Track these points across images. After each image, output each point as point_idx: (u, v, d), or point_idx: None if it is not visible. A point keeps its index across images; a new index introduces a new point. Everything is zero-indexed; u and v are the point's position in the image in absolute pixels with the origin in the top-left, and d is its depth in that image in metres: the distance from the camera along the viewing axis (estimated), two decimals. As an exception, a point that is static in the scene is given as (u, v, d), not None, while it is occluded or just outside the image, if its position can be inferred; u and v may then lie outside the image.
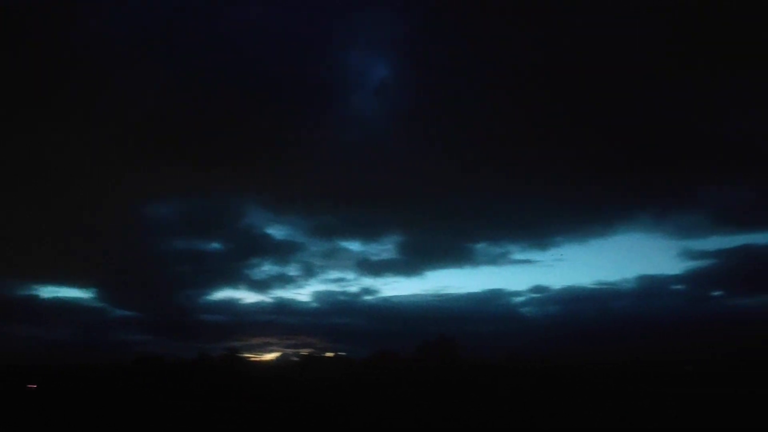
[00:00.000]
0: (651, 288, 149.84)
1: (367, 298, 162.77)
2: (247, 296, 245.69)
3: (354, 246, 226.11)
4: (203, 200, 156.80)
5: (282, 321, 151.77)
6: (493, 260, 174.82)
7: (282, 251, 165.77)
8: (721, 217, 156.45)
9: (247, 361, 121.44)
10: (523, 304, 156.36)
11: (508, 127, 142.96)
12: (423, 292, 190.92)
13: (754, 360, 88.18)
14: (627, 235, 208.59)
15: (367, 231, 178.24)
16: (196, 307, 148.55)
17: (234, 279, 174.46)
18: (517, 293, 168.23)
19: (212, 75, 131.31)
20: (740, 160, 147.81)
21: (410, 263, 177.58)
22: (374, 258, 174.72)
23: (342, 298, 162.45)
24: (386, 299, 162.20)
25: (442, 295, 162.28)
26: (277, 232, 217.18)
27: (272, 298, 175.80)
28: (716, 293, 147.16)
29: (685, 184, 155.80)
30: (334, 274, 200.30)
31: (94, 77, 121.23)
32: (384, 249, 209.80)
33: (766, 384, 64.96)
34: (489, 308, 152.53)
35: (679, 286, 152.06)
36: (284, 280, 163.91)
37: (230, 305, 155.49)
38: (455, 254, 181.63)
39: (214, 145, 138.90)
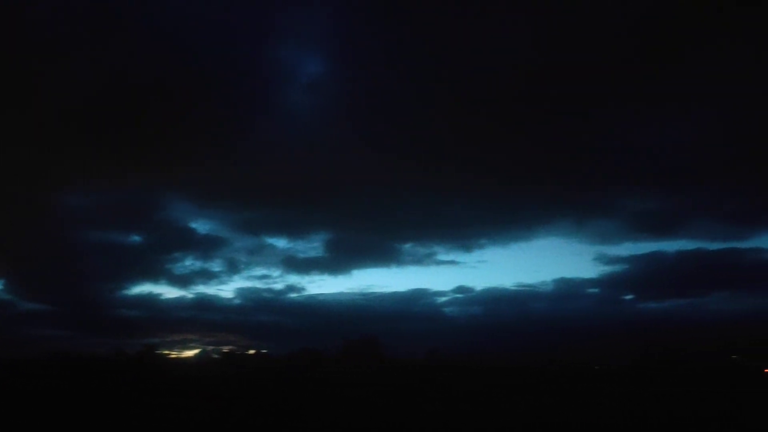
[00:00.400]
0: (568, 290, 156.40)
1: (292, 295, 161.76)
2: (168, 291, 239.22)
3: (280, 243, 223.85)
4: (124, 191, 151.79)
5: (203, 317, 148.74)
6: (419, 260, 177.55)
7: (206, 246, 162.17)
8: (634, 224, 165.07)
9: (165, 357, 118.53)
10: (447, 304, 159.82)
11: (438, 130, 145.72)
12: (349, 291, 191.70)
13: (658, 360, 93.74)
14: (547, 239, 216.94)
15: (295, 228, 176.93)
16: (113, 302, 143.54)
17: (154, 273, 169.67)
18: (442, 293, 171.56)
19: (138, 64, 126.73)
20: (653, 173, 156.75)
21: (337, 261, 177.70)
22: (301, 255, 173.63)
23: (266, 295, 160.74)
24: (312, 297, 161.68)
25: (368, 294, 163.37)
26: (201, 226, 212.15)
27: (194, 293, 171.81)
28: (627, 297, 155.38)
29: (602, 194, 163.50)
30: (259, 271, 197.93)
31: (8, 62, 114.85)
32: (311, 246, 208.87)
33: (668, 383, 69.24)
34: (413, 308, 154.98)
35: (594, 289, 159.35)
36: (207, 276, 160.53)
37: (149, 300, 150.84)
38: (382, 253, 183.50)
39: (137, 135, 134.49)
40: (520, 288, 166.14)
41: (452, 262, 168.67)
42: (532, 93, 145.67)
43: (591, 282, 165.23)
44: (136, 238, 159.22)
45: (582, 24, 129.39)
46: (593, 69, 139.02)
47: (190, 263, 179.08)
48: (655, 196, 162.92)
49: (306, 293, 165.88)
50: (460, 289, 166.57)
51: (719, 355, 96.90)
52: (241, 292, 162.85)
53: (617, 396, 49.14)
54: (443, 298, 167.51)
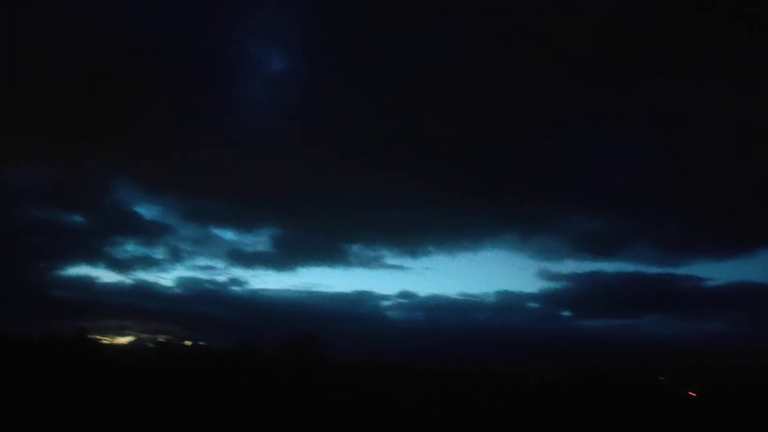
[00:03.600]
0: (509, 303, 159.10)
1: (235, 289, 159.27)
2: (106, 275, 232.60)
3: (227, 234, 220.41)
4: (68, 170, 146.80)
5: (141, 305, 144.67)
6: (366, 263, 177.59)
7: (150, 232, 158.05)
8: (578, 243, 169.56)
9: (97, 342, 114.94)
10: (390, 308, 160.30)
11: (394, 135, 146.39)
12: (293, 288, 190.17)
13: (591, 376, 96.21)
14: (492, 251, 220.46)
15: (243, 221, 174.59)
16: (46, 282, 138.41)
17: (93, 256, 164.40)
18: (386, 297, 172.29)
19: (92, 45, 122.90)
20: (599, 195, 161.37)
21: (283, 258, 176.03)
22: (247, 249, 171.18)
23: (208, 286, 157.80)
24: (255, 292, 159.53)
25: (312, 293, 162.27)
26: (146, 211, 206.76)
27: (133, 279, 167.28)
28: (566, 313, 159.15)
29: (549, 211, 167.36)
30: (203, 262, 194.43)
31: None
32: (258, 240, 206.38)
33: (599, 396, 71.17)
34: (357, 309, 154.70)
35: (534, 304, 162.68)
36: (148, 263, 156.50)
37: (85, 283, 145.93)
38: (329, 253, 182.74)
39: (87, 115, 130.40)
40: (464, 297, 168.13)
41: (399, 267, 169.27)
42: (488, 107, 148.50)
43: (532, 296, 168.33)
44: (76, 219, 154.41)
45: (537, 47, 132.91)
46: (547, 90, 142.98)
47: (131, 248, 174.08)
48: (599, 218, 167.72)
49: (249, 287, 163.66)
50: (404, 294, 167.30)
51: (647, 376, 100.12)
52: (183, 282, 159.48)
53: (547, 409, 50.22)
54: (387, 302, 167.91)
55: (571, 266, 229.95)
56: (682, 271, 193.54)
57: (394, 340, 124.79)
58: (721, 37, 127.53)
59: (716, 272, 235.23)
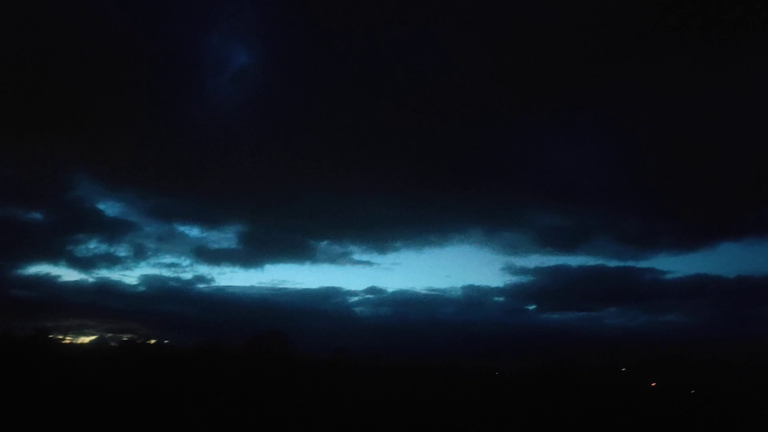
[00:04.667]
0: (476, 297, 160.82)
1: (201, 286, 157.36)
2: (67, 274, 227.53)
3: (192, 231, 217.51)
4: (27, 166, 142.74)
5: (103, 303, 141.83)
6: (334, 259, 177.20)
7: (112, 229, 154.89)
8: (542, 238, 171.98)
9: (58, 342, 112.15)
10: (358, 303, 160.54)
11: (359, 132, 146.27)
12: (260, 285, 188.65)
13: (555, 368, 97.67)
14: (459, 247, 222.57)
15: (208, 218, 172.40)
16: (5, 281, 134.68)
17: (54, 254, 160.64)
18: (353, 293, 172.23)
19: (53, 36, 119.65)
20: (563, 191, 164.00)
21: (250, 254, 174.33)
22: (213, 246, 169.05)
23: (173, 284, 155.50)
24: (221, 289, 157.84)
25: (279, 289, 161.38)
26: (109, 208, 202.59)
27: (95, 277, 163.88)
28: (530, 307, 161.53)
29: (514, 207, 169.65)
30: (168, 259, 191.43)
31: None
32: (224, 237, 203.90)
33: (564, 389, 72.33)
34: (324, 305, 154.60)
35: (500, 298, 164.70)
36: (111, 260, 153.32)
37: (46, 282, 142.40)
38: (297, 249, 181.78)
39: (46, 109, 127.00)
40: (431, 292, 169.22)
41: (366, 263, 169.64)
42: (453, 105, 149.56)
43: (498, 291, 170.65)
44: (36, 216, 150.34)
45: (501, 48, 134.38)
46: (511, 90, 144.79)
47: (93, 246, 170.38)
48: (562, 213, 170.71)
49: (215, 285, 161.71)
50: (372, 290, 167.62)
51: (610, 368, 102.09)
52: (147, 280, 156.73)
53: (514, 401, 50.88)
54: (355, 298, 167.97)
55: (535, 260, 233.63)
56: (642, 264, 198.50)
57: (362, 335, 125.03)
58: (678, 44, 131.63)
59: (675, 265, 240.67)
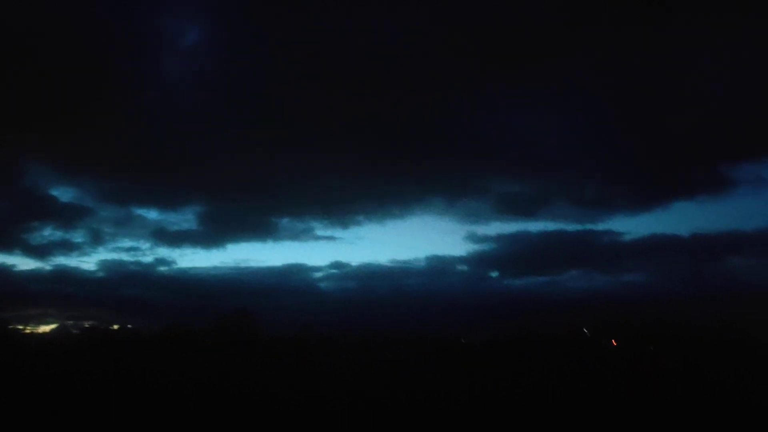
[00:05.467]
0: (439, 267, 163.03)
1: (162, 269, 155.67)
2: (23, 263, 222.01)
3: (150, 214, 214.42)
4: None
5: (62, 290, 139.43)
6: (296, 235, 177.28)
7: (67, 215, 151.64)
8: (502, 205, 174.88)
9: (18, 333, 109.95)
10: (323, 279, 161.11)
11: (317, 107, 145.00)
12: (223, 265, 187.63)
13: (520, 333, 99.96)
14: (421, 218, 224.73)
15: (166, 199, 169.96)
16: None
17: (7, 243, 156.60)
18: (318, 268, 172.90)
19: (3, 22, 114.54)
20: (520, 158, 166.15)
21: (211, 235, 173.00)
22: (172, 228, 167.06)
23: (133, 268, 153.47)
24: (183, 271, 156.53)
25: (242, 268, 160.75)
26: (62, 194, 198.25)
27: (52, 265, 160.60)
28: (493, 274, 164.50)
29: (473, 175, 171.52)
30: (126, 243, 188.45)
31: None
32: (183, 219, 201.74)
33: (528, 355, 74.04)
34: (289, 282, 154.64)
35: (463, 267, 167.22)
36: (68, 247, 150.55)
37: (1, 272, 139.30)
38: (258, 228, 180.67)
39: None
40: (395, 264, 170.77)
41: (330, 238, 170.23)
42: (411, 78, 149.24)
43: (461, 259, 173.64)
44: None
45: (460, 22, 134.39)
46: (469, 63, 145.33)
47: (48, 233, 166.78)
48: (520, 180, 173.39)
49: (177, 267, 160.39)
50: (336, 265, 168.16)
51: (572, 329, 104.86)
52: (106, 265, 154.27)
53: (481, 367, 51.89)
54: (319, 273, 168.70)
55: (496, 228, 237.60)
56: (600, 227, 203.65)
57: (328, 310, 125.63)
58: (629, 12, 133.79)
59: (632, 226, 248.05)
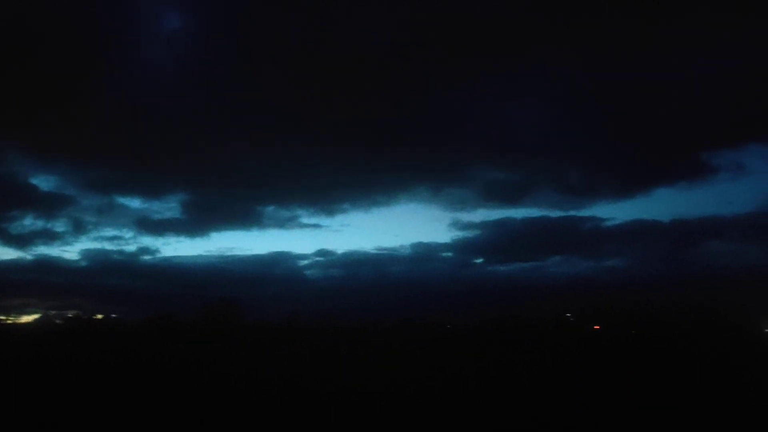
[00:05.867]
0: (424, 254, 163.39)
1: (146, 258, 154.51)
2: (3, 252, 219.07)
3: (134, 203, 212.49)
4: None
5: (45, 281, 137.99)
6: (281, 223, 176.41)
7: (48, 204, 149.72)
8: (487, 193, 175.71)
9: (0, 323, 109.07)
10: (308, 267, 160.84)
11: (301, 94, 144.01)
12: (207, 254, 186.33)
13: (503, 320, 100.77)
14: (406, 205, 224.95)
15: (150, 187, 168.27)
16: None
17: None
18: (303, 256, 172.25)
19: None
20: (505, 145, 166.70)
21: (195, 223, 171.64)
22: (156, 216, 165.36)
23: (117, 257, 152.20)
24: (167, 260, 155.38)
25: (227, 257, 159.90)
26: (43, 182, 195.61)
27: (33, 255, 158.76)
28: (478, 260, 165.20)
29: (458, 163, 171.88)
30: (109, 232, 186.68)
31: None
32: (167, 207, 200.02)
33: (512, 340, 74.86)
34: (275, 270, 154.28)
35: (448, 254, 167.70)
36: (49, 236, 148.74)
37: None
38: (243, 216, 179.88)
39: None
40: (380, 251, 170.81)
41: (315, 226, 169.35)
42: (396, 65, 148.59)
43: (446, 246, 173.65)
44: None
45: (444, 8, 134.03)
46: (453, 50, 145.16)
47: (29, 222, 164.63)
48: (505, 167, 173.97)
49: (161, 256, 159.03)
50: (321, 253, 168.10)
51: (556, 314, 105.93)
52: (89, 254, 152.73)
53: (466, 352, 52.40)
54: (305, 261, 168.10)
55: (481, 215, 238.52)
56: (583, 213, 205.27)
57: (314, 298, 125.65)
58: (610, 5, 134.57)
59: (614, 212, 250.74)
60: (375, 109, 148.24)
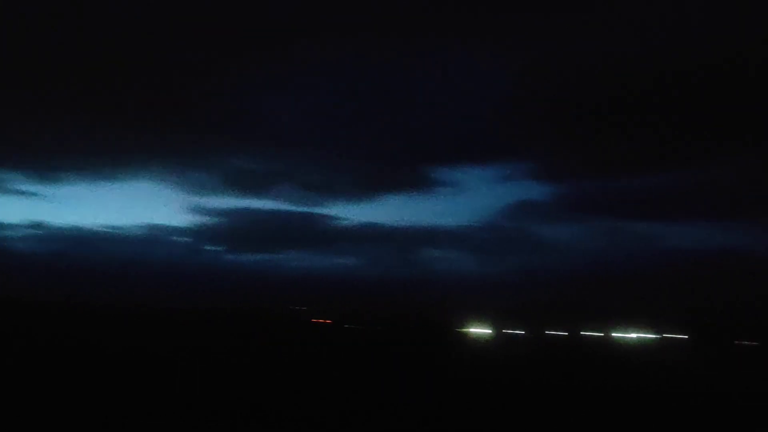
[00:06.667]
0: (158, 237, 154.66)
1: None
2: None
3: None
4: None
5: None
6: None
7: None
8: (233, 180, 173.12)
9: None
10: (18, 239, 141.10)
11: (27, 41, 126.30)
12: None
13: (239, 310, 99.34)
14: (139, 183, 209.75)
15: None
16: None
17: None
18: (11, 226, 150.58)
19: None
20: (258, 135, 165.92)
21: None
22: None
23: None
24: None
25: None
26: None
27: None
28: (217, 248, 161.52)
29: (204, 147, 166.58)
30: None
31: None
32: None
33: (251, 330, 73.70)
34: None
35: (185, 238, 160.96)
36: None
37: None
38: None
39: None
40: (108, 230, 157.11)
41: (30, 194, 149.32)
42: (159, 37, 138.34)
43: (183, 231, 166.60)
44: None
45: None
46: (223, 39, 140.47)
47: None
48: (251, 157, 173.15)
49: None
50: (36, 225, 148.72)
51: (289, 308, 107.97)
52: None
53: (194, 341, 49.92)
54: (12, 233, 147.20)
55: (223, 202, 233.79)
56: (321, 210, 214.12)
57: (23, 276, 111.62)
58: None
59: (349, 213, 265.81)
60: (114, 78, 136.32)
